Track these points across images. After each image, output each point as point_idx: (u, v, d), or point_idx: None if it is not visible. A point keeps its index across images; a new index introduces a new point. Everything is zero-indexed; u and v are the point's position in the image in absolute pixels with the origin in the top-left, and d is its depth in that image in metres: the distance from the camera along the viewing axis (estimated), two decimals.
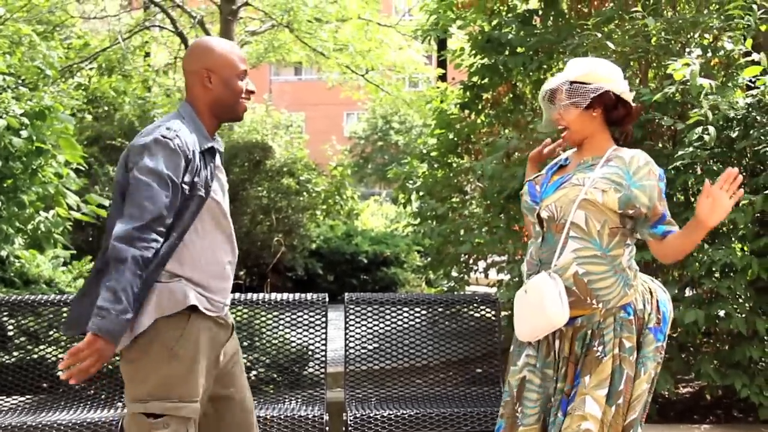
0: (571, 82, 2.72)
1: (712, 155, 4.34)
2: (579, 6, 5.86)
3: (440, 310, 4.56)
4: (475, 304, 4.65)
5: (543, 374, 2.71)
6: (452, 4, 6.44)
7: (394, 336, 4.50)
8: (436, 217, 6.64)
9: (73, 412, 4.08)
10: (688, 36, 4.71)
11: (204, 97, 2.58)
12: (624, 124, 2.82)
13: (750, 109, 4.31)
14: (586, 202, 2.63)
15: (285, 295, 4.46)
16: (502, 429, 2.78)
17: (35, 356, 4.30)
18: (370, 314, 4.49)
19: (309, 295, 4.48)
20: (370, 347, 4.46)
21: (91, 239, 7.57)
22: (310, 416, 3.98)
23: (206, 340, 2.54)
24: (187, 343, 2.48)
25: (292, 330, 4.46)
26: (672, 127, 4.57)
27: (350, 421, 3.97)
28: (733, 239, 4.49)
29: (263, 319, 4.52)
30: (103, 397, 4.24)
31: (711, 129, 4.09)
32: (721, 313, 4.28)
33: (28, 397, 4.25)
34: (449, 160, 6.85)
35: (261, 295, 4.48)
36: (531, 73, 5.88)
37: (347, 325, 4.43)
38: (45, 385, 4.31)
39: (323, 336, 4.40)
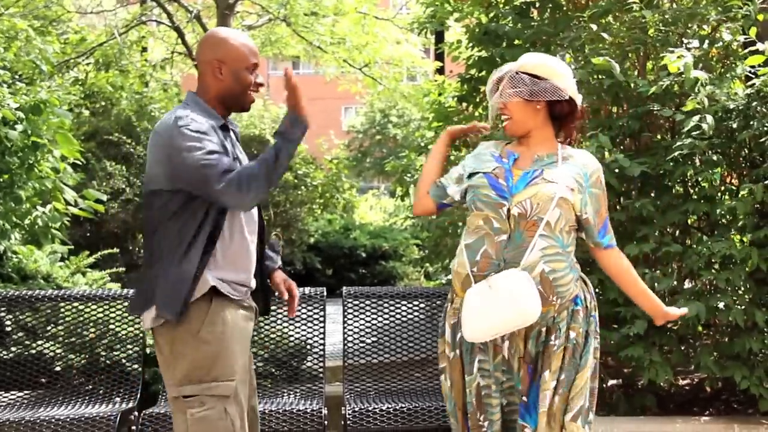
0: (517, 72, 2.70)
1: (710, 145, 4.32)
2: None
3: (439, 303, 4.55)
4: None
5: (495, 378, 2.67)
6: None
7: (393, 329, 4.49)
8: None
9: (72, 408, 4.08)
10: (686, 27, 4.69)
11: (214, 86, 2.67)
12: (567, 122, 2.79)
13: (750, 100, 4.29)
14: (562, 201, 2.63)
15: None
16: None
17: (33, 351, 4.30)
18: (368, 308, 4.49)
19: (307, 289, 4.48)
20: (368, 341, 4.45)
21: (89, 234, 7.54)
22: (308, 410, 3.97)
23: (233, 322, 2.61)
24: (212, 326, 2.55)
25: (291, 324, 4.45)
26: (670, 119, 4.55)
27: (349, 414, 3.97)
28: (732, 230, 4.48)
29: None
30: (101, 392, 4.23)
31: (709, 118, 4.06)
32: (721, 305, 4.27)
33: (26, 392, 4.25)
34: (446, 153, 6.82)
35: None
36: None
37: (345, 319, 4.42)
38: (43, 380, 4.30)
39: (321, 330, 4.39)
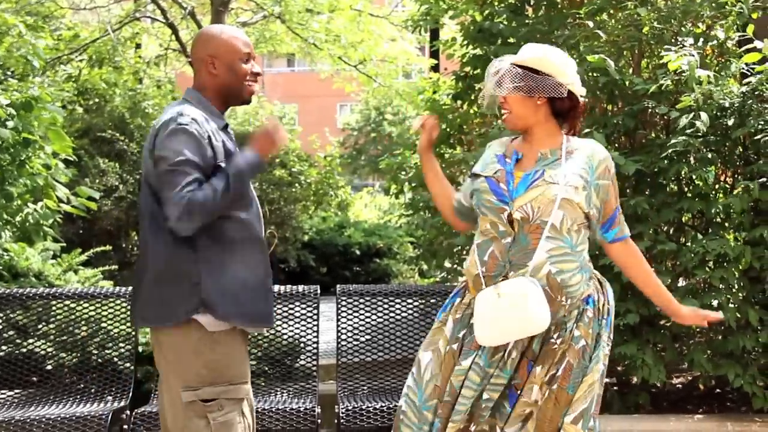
0: (519, 66, 2.66)
1: (705, 143, 4.31)
2: None
3: (433, 301, 4.53)
4: None
5: (484, 372, 2.63)
6: None
7: (387, 327, 4.47)
8: (428, 208, 6.61)
9: (63, 407, 4.05)
10: (681, 25, 4.68)
11: (211, 82, 2.65)
12: (569, 117, 2.74)
13: (746, 98, 4.28)
14: (565, 201, 2.59)
15: (277, 287, 4.41)
16: (437, 429, 2.67)
17: (24, 350, 4.27)
18: (362, 306, 4.47)
19: (301, 287, 4.46)
20: (362, 339, 4.43)
21: (81, 232, 7.52)
22: (301, 408, 3.96)
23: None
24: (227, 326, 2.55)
25: (284, 322, 4.43)
26: (665, 117, 4.54)
27: (342, 413, 3.95)
28: (728, 227, 4.48)
29: None
30: (93, 391, 4.21)
31: (703, 115, 4.05)
32: (714, 303, 4.26)
33: (16, 391, 4.22)
34: (442, 151, 6.81)
35: None
36: None
37: (339, 317, 4.40)
38: (34, 379, 4.27)
39: (315, 328, 4.38)
